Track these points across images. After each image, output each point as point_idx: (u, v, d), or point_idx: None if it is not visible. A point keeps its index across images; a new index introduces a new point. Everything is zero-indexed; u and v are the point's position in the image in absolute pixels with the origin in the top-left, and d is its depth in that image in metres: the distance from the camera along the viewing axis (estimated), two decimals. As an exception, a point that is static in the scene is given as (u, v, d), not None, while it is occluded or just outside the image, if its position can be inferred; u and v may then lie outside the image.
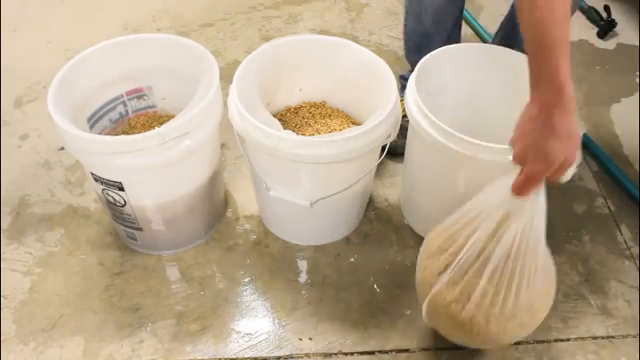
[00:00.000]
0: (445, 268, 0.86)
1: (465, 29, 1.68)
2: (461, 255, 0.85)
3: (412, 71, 1.24)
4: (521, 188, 0.74)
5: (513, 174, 0.78)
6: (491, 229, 0.83)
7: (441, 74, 1.05)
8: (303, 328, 1.00)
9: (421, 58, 1.06)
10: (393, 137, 0.96)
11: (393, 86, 0.97)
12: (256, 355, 0.97)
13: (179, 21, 1.68)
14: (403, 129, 1.01)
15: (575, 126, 0.71)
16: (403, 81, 1.35)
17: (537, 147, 0.71)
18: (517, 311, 0.83)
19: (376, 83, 1.02)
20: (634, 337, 1.00)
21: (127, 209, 0.99)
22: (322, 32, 1.64)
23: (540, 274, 0.85)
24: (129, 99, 1.09)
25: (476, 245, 0.84)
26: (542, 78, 0.70)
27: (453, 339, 0.91)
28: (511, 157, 0.78)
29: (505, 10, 1.77)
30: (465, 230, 0.85)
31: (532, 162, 0.72)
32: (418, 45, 1.26)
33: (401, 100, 1.06)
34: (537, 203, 0.79)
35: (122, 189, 0.94)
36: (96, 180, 0.95)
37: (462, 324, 0.85)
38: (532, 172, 0.72)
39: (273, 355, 0.97)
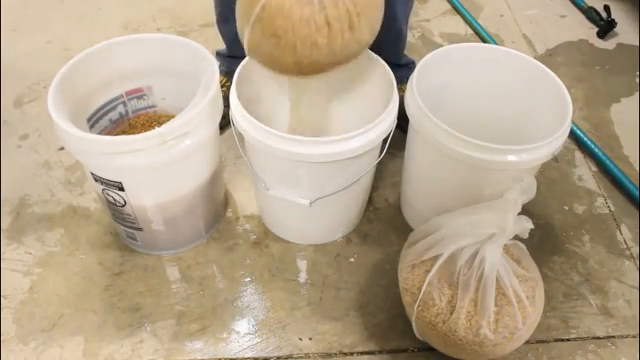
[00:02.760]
0: (420, 286, 0.87)
1: (465, 29, 1.69)
2: (434, 271, 0.86)
3: (227, 47, 1.32)
4: None
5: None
6: (471, 250, 0.84)
7: (441, 74, 1.06)
8: (303, 328, 1.00)
9: (230, 29, 1.12)
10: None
11: (393, 85, 0.97)
12: (256, 355, 0.97)
13: (179, 21, 1.68)
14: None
15: None
16: (219, 57, 1.34)
17: None
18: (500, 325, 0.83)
19: (375, 82, 1.02)
20: (634, 337, 1.00)
21: (127, 209, 0.99)
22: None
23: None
24: (129, 99, 1.09)
25: (452, 263, 0.85)
26: None
27: (449, 354, 0.92)
28: (511, 157, 0.78)
29: (505, 10, 1.77)
30: (441, 248, 0.87)
31: None
32: (224, 12, 1.24)
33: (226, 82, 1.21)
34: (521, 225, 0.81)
35: (122, 189, 0.94)
36: (96, 180, 0.95)
37: (452, 342, 0.85)
38: None
39: (273, 355, 0.97)
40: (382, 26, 1.22)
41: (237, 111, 0.93)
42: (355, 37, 0.84)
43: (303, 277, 1.07)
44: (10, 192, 1.20)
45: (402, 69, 1.27)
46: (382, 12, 0.88)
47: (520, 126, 1.07)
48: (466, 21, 1.70)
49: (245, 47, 0.88)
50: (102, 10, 1.72)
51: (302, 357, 0.97)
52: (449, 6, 1.77)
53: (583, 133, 1.34)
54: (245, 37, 0.86)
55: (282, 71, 0.88)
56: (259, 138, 0.90)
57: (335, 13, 0.80)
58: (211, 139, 0.98)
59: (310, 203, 0.98)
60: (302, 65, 0.85)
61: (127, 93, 1.08)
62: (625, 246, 1.14)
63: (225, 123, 1.06)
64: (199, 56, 0.99)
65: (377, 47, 1.12)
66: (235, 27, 1.23)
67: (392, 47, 1.25)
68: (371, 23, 0.86)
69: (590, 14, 1.71)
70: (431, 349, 0.94)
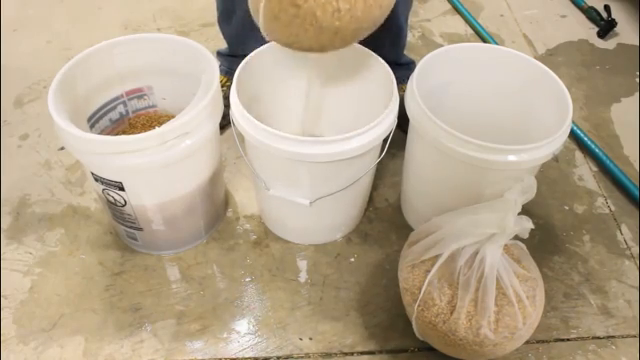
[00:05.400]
0: (420, 286, 0.87)
1: (465, 29, 1.69)
2: (434, 271, 0.86)
3: (228, 46, 1.30)
4: None
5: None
6: (472, 250, 0.84)
7: (441, 74, 1.06)
8: (303, 328, 1.00)
9: (231, 28, 1.11)
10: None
11: (393, 85, 0.97)
12: (256, 355, 0.97)
13: (179, 21, 1.68)
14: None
15: None
16: (219, 57, 1.34)
17: None
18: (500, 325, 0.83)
19: (375, 82, 1.02)
20: (634, 337, 1.00)
21: (127, 209, 0.99)
22: (322, 32, 1.64)
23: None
24: (129, 99, 1.09)
25: (453, 263, 0.85)
26: None
27: (449, 353, 0.92)
28: (511, 157, 0.78)
29: (505, 10, 1.77)
30: (442, 247, 0.87)
31: None
32: (226, 11, 1.23)
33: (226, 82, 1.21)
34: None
35: (122, 189, 0.94)
36: (96, 180, 0.95)
37: (452, 342, 0.86)
38: None
39: (273, 355, 0.97)
40: (382, 24, 1.22)
41: (237, 111, 0.93)
42: (377, 1, 0.81)
43: (303, 277, 1.07)
44: (10, 192, 1.20)
45: (402, 69, 1.27)
46: None
47: (520, 126, 1.07)
48: (466, 21, 1.70)
49: (261, 24, 0.83)
50: (102, 10, 1.72)
51: (302, 357, 0.97)
52: (449, 6, 1.77)
53: (583, 133, 1.34)
54: (260, 12, 0.81)
55: (302, 46, 0.85)
56: (259, 138, 0.90)
57: None
58: (211, 139, 0.98)
59: (310, 203, 0.98)
60: (323, 37, 0.82)
61: (127, 93, 1.08)
62: (625, 246, 1.14)
63: (225, 123, 1.06)
64: (199, 56, 0.99)
65: (377, 46, 1.12)
66: (236, 27, 1.24)
67: (392, 46, 1.25)
68: None
69: (590, 14, 1.71)
70: (431, 349, 0.94)
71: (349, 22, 0.80)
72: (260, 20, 0.83)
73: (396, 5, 1.14)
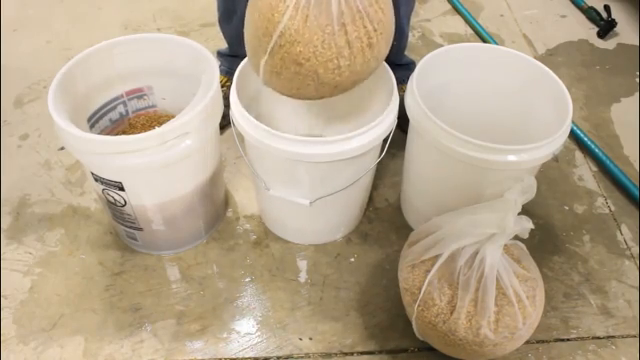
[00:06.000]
0: (421, 285, 0.88)
1: (465, 29, 1.69)
2: (434, 270, 0.86)
3: (228, 46, 1.31)
4: None
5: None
6: (472, 249, 0.84)
7: (441, 74, 1.06)
8: (303, 328, 1.00)
9: (232, 28, 1.13)
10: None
11: (393, 85, 0.97)
12: (256, 355, 0.97)
13: (179, 21, 1.68)
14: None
15: None
16: (219, 57, 1.34)
17: None
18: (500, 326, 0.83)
19: (375, 82, 1.02)
20: (634, 337, 1.00)
21: (127, 209, 0.99)
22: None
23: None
24: (129, 99, 1.09)
25: (453, 263, 0.85)
26: None
27: (449, 353, 0.92)
28: (511, 157, 0.78)
29: (505, 10, 1.77)
30: (442, 247, 0.87)
31: None
32: (227, 11, 1.23)
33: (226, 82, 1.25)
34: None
35: (122, 189, 0.94)
36: (96, 180, 0.95)
37: (452, 342, 0.86)
38: None
39: (273, 355, 0.97)
40: None
41: (237, 111, 0.93)
42: (374, 54, 0.84)
43: (303, 277, 1.07)
44: (10, 192, 1.20)
45: (402, 69, 1.27)
46: (394, 24, 0.88)
47: (520, 126, 1.07)
48: (466, 21, 1.70)
49: (261, 77, 0.87)
50: (102, 10, 1.72)
51: (302, 357, 0.97)
52: (449, 6, 1.77)
53: (583, 133, 1.34)
54: (261, 68, 0.84)
55: (302, 97, 0.88)
56: (259, 138, 0.90)
57: (355, 32, 0.80)
58: (211, 139, 0.98)
59: (310, 203, 0.98)
60: (324, 89, 0.85)
61: (127, 93, 1.08)
62: (625, 246, 1.14)
63: (225, 123, 1.06)
64: (199, 56, 0.99)
65: None
66: (237, 27, 1.23)
67: (393, 47, 1.25)
68: (387, 37, 0.86)
69: (590, 14, 1.71)
70: (431, 349, 0.94)
71: (349, 76, 0.84)
72: (260, 74, 0.86)
73: (398, 7, 1.14)
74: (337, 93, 0.87)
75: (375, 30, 0.82)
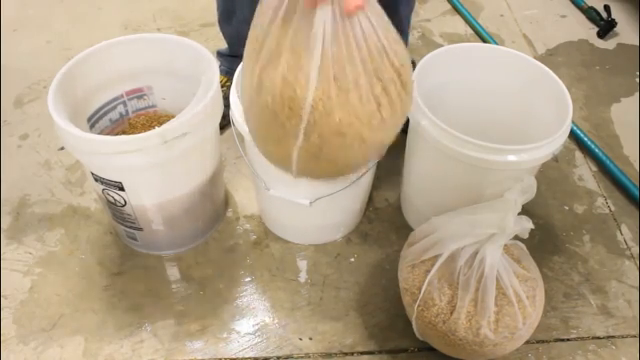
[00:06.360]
0: (420, 286, 0.87)
1: (465, 29, 1.69)
2: (434, 270, 0.86)
3: (228, 46, 1.30)
4: None
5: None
6: (472, 250, 0.84)
7: (441, 74, 1.05)
8: (303, 328, 1.00)
9: (232, 29, 1.13)
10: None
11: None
12: (256, 355, 0.97)
13: (179, 21, 1.68)
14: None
15: None
16: (219, 57, 1.34)
17: None
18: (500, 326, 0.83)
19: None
20: (634, 337, 1.00)
21: (127, 209, 0.99)
22: (322, 32, 1.64)
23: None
24: (129, 99, 1.09)
25: (453, 261, 0.85)
26: None
27: (449, 353, 0.92)
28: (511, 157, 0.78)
29: (505, 10, 1.78)
30: (442, 247, 0.87)
31: None
32: (226, 12, 1.23)
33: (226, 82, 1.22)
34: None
35: (122, 189, 0.94)
36: (96, 180, 0.95)
37: (452, 342, 0.85)
38: None
39: (273, 355, 0.97)
40: None
41: (237, 111, 0.93)
42: (408, 92, 0.71)
43: (303, 277, 1.07)
44: (10, 192, 1.20)
45: None
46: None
47: (520, 126, 1.07)
48: (466, 21, 1.70)
49: (294, 169, 0.73)
50: (102, 10, 1.72)
51: (302, 357, 0.97)
52: (449, 6, 1.77)
53: (583, 133, 1.34)
54: (294, 157, 0.71)
55: (345, 174, 0.77)
56: (259, 138, 0.90)
57: (386, 74, 0.67)
58: (211, 139, 0.98)
59: (310, 203, 0.98)
60: (371, 153, 0.74)
61: (127, 93, 1.08)
62: (625, 246, 1.14)
63: (225, 123, 1.06)
64: (199, 56, 0.98)
65: None
66: (237, 27, 1.24)
67: None
68: (410, 69, 0.72)
69: (590, 14, 1.71)
70: (431, 349, 0.94)
71: (392, 127, 0.72)
72: (293, 166, 0.72)
73: (398, 7, 1.14)
74: (382, 152, 0.75)
75: (402, 65, 0.68)
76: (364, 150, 0.72)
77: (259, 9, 0.67)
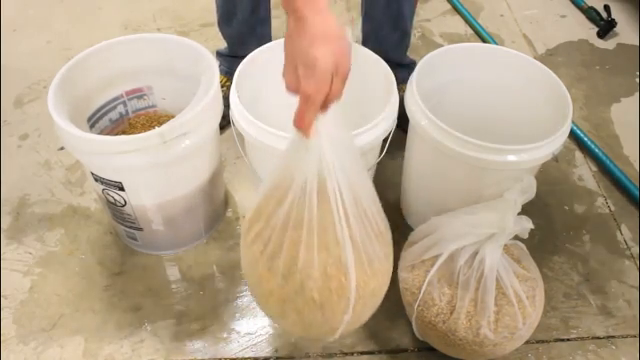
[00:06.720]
0: (420, 286, 0.88)
1: (465, 29, 1.69)
2: (433, 271, 0.87)
3: (228, 47, 1.30)
4: (301, 117, 0.64)
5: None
6: (472, 250, 0.84)
7: (441, 74, 1.05)
8: (303, 328, 1.00)
9: (232, 30, 1.14)
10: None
11: (393, 85, 0.97)
12: (256, 355, 0.97)
13: (179, 21, 1.68)
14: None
15: (334, 27, 0.64)
16: (219, 57, 1.34)
17: (301, 61, 0.63)
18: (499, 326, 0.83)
19: (375, 82, 1.02)
20: (634, 337, 1.00)
21: (127, 209, 0.99)
22: (322, 32, 1.64)
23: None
24: (129, 99, 1.09)
25: (452, 263, 0.85)
26: None
27: (449, 353, 0.92)
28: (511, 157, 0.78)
29: (505, 10, 1.78)
30: (438, 248, 0.87)
31: (303, 80, 0.63)
32: (227, 14, 1.23)
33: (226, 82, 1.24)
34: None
35: (122, 189, 0.94)
36: (96, 180, 0.95)
37: (452, 342, 0.86)
38: (306, 91, 0.62)
39: (273, 355, 0.97)
40: (387, 25, 1.22)
41: (237, 111, 0.93)
42: (387, 238, 0.80)
43: (303, 277, 1.07)
44: (10, 192, 1.20)
45: (404, 69, 1.27)
46: None
47: (520, 126, 1.07)
48: (466, 21, 1.70)
49: (339, 335, 0.77)
50: (102, 10, 1.72)
51: (302, 357, 0.97)
52: (449, 6, 1.77)
53: (583, 133, 1.34)
54: (341, 328, 0.76)
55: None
56: (259, 138, 0.90)
57: (376, 228, 0.77)
58: (211, 139, 0.98)
59: (310, 203, 0.98)
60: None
61: (127, 93, 1.08)
62: (625, 246, 1.14)
63: (225, 123, 1.06)
64: (199, 56, 0.98)
65: (382, 46, 1.12)
66: (237, 28, 1.24)
67: (397, 47, 1.26)
68: (383, 216, 0.82)
69: (590, 14, 1.71)
70: (431, 349, 0.94)
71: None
72: (338, 334, 0.77)
73: (402, 7, 1.14)
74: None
75: (378, 212, 0.79)
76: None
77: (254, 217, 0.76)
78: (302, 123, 0.65)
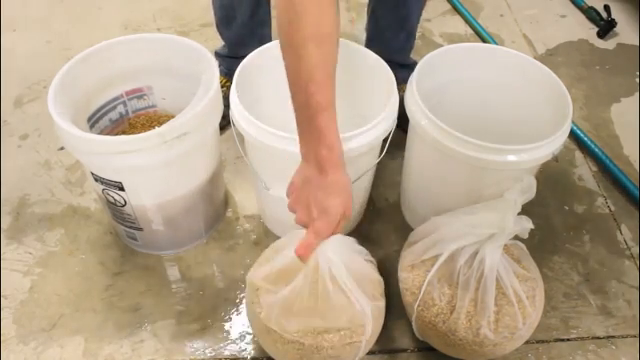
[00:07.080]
0: (420, 285, 0.88)
1: (465, 29, 1.69)
2: (434, 270, 0.87)
3: (224, 46, 1.31)
4: (307, 248, 0.76)
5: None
6: (472, 250, 0.84)
7: (441, 74, 1.05)
8: (303, 328, 1.00)
9: (232, 33, 1.16)
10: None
11: (393, 85, 0.97)
12: (256, 355, 0.97)
13: (179, 21, 1.68)
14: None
15: (346, 179, 0.77)
16: (218, 57, 1.33)
17: (318, 206, 0.75)
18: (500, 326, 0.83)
19: (376, 82, 1.02)
20: (634, 337, 1.00)
21: (127, 209, 0.99)
22: (322, 32, 1.63)
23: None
24: (129, 99, 1.09)
25: (452, 263, 0.85)
26: (313, 140, 0.75)
27: (449, 353, 0.92)
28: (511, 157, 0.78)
29: (505, 10, 1.78)
30: (442, 247, 0.87)
31: (317, 221, 0.75)
32: (225, 17, 1.24)
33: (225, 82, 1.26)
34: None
35: (122, 189, 0.94)
36: (96, 180, 0.95)
37: (452, 342, 0.86)
38: (318, 230, 0.76)
39: (273, 355, 0.97)
40: (394, 26, 1.22)
41: (237, 111, 0.93)
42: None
43: (303, 277, 1.07)
44: (10, 192, 1.20)
45: (407, 69, 1.27)
46: None
47: (520, 126, 1.07)
48: (466, 21, 1.70)
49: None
50: (102, 10, 1.72)
51: (302, 357, 0.97)
52: (449, 6, 1.77)
53: (583, 133, 1.34)
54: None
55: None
56: (259, 138, 0.90)
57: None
58: (211, 139, 0.98)
59: (310, 203, 0.98)
60: None
61: (127, 93, 1.08)
62: (625, 246, 1.14)
63: (225, 123, 1.06)
64: (199, 56, 0.99)
65: (386, 47, 1.12)
66: (237, 31, 1.24)
67: (401, 48, 1.26)
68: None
69: (590, 14, 1.71)
70: (431, 349, 0.94)
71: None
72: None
73: (409, 7, 1.15)
74: None
75: (372, 262, 0.90)
76: None
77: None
78: (306, 253, 0.77)
